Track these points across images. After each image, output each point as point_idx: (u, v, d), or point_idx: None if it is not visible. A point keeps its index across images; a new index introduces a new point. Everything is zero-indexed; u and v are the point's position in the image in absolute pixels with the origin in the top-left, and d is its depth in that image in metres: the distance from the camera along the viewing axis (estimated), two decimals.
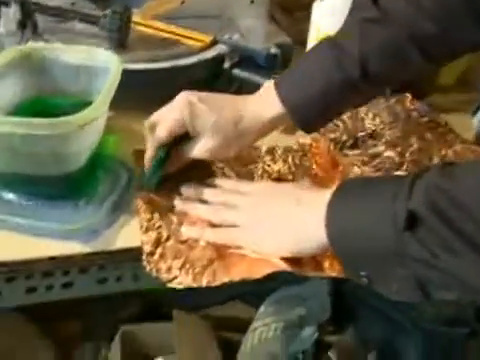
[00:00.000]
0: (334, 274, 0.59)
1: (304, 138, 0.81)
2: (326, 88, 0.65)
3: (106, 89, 0.66)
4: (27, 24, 0.84)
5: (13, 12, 0.83)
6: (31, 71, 0.77)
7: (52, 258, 0.62)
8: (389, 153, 0.76)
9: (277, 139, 0.80)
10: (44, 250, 0.62)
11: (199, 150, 0.67)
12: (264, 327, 0.60)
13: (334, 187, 0.56)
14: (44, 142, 0.60)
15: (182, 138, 0.68)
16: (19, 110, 0.77)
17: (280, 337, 0.58)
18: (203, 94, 0.68)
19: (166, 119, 0.67)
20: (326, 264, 0.60)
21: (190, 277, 0.60)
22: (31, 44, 0.80)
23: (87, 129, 0.61)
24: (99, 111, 0.62)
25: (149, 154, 0.68)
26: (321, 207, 0.55)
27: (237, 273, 0.59)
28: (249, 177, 0.74)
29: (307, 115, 0.67)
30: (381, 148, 0.78)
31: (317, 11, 0.86)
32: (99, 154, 0.72)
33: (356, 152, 0.77)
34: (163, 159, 0.68)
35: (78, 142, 0.62)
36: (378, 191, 0.52)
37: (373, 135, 0.81)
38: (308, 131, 0.70)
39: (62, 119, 0.59)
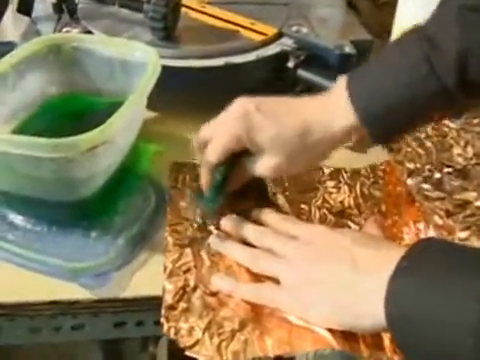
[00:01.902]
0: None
1: (375, 161, 0.67)
2: (413, 98, 0.52)
3: (133, 98, 0.55)
4: (64, 8, 0.73)
5: None
6: (61, 64, 0.68)
7: (55, 302, 0.52)
8: None
9: (344, 157, 0.66)
10: (46, 291, 0.52)
11: (260, 169, 0.57)
12: None
13: (405, 239, 0.47)
14: (46, 165, 0.50)
15: (241, 152, 0.57)
16: (46, 108, 0.68)
17: None
18: (262, 100, 0.56)
19: (220, 135, 0.56)
20: (387, 342, 0.48)
21: (215, 345, 0.48)
22: (61, 34, 0.71)
23: (99, 151, 0.50)
24: (114, 131, 0.51)
25: (204, 178, 0.58)
26: (381, 279, 0.44)
27: (274, 345, 0.48)
28: (305, 208, 0.61)
29: (386, 128, 0.54)
30: (472, 195, 0.62)
31: (404, 2, 0.71)
32: (126, 171, 0.61)
33: (440, 195, 0.61)
34: (221, 182, 0.57)
35: (88, 166, 0.52)
36: (461, 275, 0.41)
37: (463, 173, 0.65)
38: (383, 143, 0.59)
39: (66, 140, 0.48)
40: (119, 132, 0.54)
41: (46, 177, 0.52)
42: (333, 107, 0.55)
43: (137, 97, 0.56)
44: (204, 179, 0.58)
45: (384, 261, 0.45)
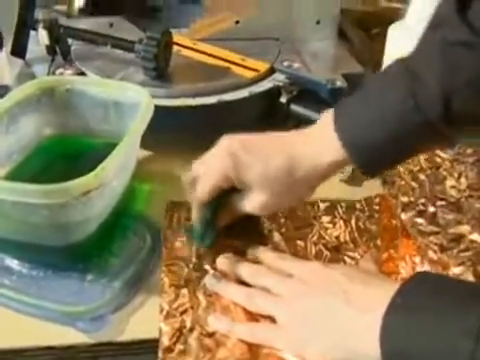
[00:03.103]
0: None
1: (370, 193, 0.67)
2: (399, 132, 0.51)
3: (126, 140, 0.55)
4: (57, 50, 0.74)
5: (41, 36, 0.73)
6: (55, 107, 0.69)
7: (52, 347, 0.52)
8: (476, 237, 0.60)
9: (339, 191, 0.67)
10: (43, 336, 0.52)
11: (249, 206, 0.57)
12: None
13: (402, 274, 0.48)
14: (39, 211, 0.50)
15: (230, 189, 0.58)
16: (41, 150, 0.68)
17: None
18: (247, 138, 0.57)
19: (208, 173, 0.56)
20: None
21: None
22: (54, 77, 0.71)
23: (93, 195, 0.50)
24: (108, 175, 0.51)
25: (195, 215, 0.59)
26: (376, 316, 0.43)
27: None
28: (301, 244, 0.61)
29: (374, 162, 0.54)
30: (466, 228, 0.61)
31: (394, 34, 0.71)
32: (121, 213, 0.61)
33: (434, 229, 0.61)
34: (211, 219, 0.58)
35: (82, 211, 0.51)
36: (453, 311, 0.40)
37: (456, 206, 0.64)
38: (371, 176, 0.58)
39: (58, 186, 0.48)
40: (113, 175, 0.54)
41: (39, 222, 0.51)
42: (320, 142, 0.55)
43: (130, 139, 0.56)
44: (194, 216, 0.59)
45: (378, 298, 0.45)
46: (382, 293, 0.45)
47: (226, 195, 0.58)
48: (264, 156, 0.55)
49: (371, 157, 0.53)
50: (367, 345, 0.44)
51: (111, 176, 0.53)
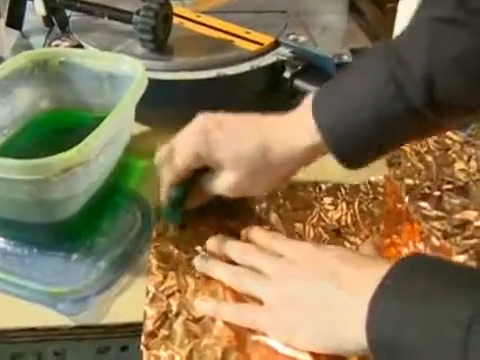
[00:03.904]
0: None
1: (376, 175, 0.64)
2: (379, 119, 0.48)
3: (113, 114, 0.53)
4: (54, 21, 0.71)
5: (37, 7, 0.70)
6: (48, 79, 0.66)
7: (33, 329, 0.50)
8: None
9: (341, 173, 0.63)
10: (26, 317, 0.50)
11: (219, 187, 0.55)
12: None
13: None
14: (21, 187, 0.48)
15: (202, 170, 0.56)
16: (34, 124, 0.66)
17: None
18: (223, 117, 0.55)
19: (179, 152, 0.55)
20: None
21: None
22: (47, 49, 0.69)
23: (78, 171, 0.47)
24: (92, 150, 0.49)
25: (163, 195, 0.57)
26: (363, 300, 0.41)
27: None
28: (299, 226, 0.58)
29: (351, 149, 0.50)
30: (473, 214, 0.58)
31: (404, 10, 0.67)
32: (113, 189, 0.59)
33: (438, 214, 0.58)
34: (180, 199, 0.56)
35: (66, 187, 0.49)
36: (443, 299, 0.38)
37: (464, 190, 0.61)
38: (353, 167, 0.53)
39: (39, 162, 0.46)
40: (99, 151, 0.51)
41: (22, 199, 0.49)
42: (297, 126, 0.52)
43: (117, 114, 0.53)
44: (162, 196, 0.57)
45: (369, 281, 0.42)
46: (373, 276, 0.42)
47: (197, 177, 0.56)
48: (238, 135, 0.54)
49: (347, 144, 0.50)
50: (354, 331, 0.42)
51: (96, 152, 0.50)
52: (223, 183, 0.54)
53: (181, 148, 0.54)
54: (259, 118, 0.55)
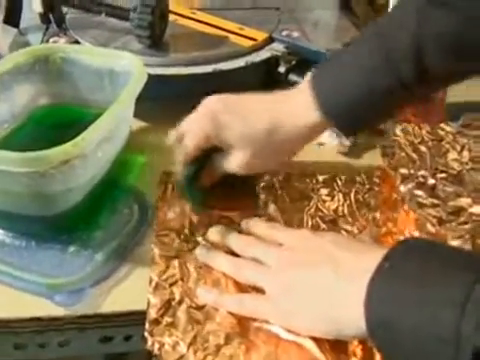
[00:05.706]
0: None
1: (371, 165, 0.65)
2: (371, 93, 0.53)
3: (111, 109, 0.54)
4: (51, 18, 0.72)
5: (34, 4, 0.71)
6: (48, 75, 0.67)
7: (37, 318, 0.51)
8: (477, 209, 0.58)
9: (338, 164, 0.66)
10: (28, 308, 0.51)
11: (230, 165, 0.57)
12: None
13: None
14: (19, 179, 0.49)
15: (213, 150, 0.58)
16: (34, 119, 0.67)
17: None
18: (229, 98, 0.58)
19: (189, 133, 0.57)
20: (378, 358, 0.46)
21: None
22: (47, 45, 0.69)
23: (75, 165, 0.48)
24: (89, 144, 0.50)
25: (178, 172, 0.59)
26: (361, 284, 0.42)
27: None
28: (297, 217, 0.59)
29: (350, 122, 0.55)
30: (466, 201, 0.59)
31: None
32: (111, 184, 0.60)
33: (433, 202, 0.59)
34: (191, 177, 0.58)
35: (63, 180, 0.50)
36: (439, 280, 0.39)
37: (458, 178, 0.62)
38: (349, 134, 0.61)
39: (36, 154, 0.47)
40: (96, 145, 0.52)
41: (20, 191, 0.50)
42: (299, 103, 0.56)
43: (115, 109, 0.54)
44: (178, 175, 0.59)
45: (366, 265, 0.43)
46: (370, 261, 0.43)
47: (209, 157, 0.58)
48: (245, 116, 0.56)
49: (346, 117, 0.54)
50: (353, 315, 0.43)
51: (93, 146, 0.51)
52: (233, 162, 0.57)
53: (191, 130, 0.56)
54: (264, 97, 0.58)
